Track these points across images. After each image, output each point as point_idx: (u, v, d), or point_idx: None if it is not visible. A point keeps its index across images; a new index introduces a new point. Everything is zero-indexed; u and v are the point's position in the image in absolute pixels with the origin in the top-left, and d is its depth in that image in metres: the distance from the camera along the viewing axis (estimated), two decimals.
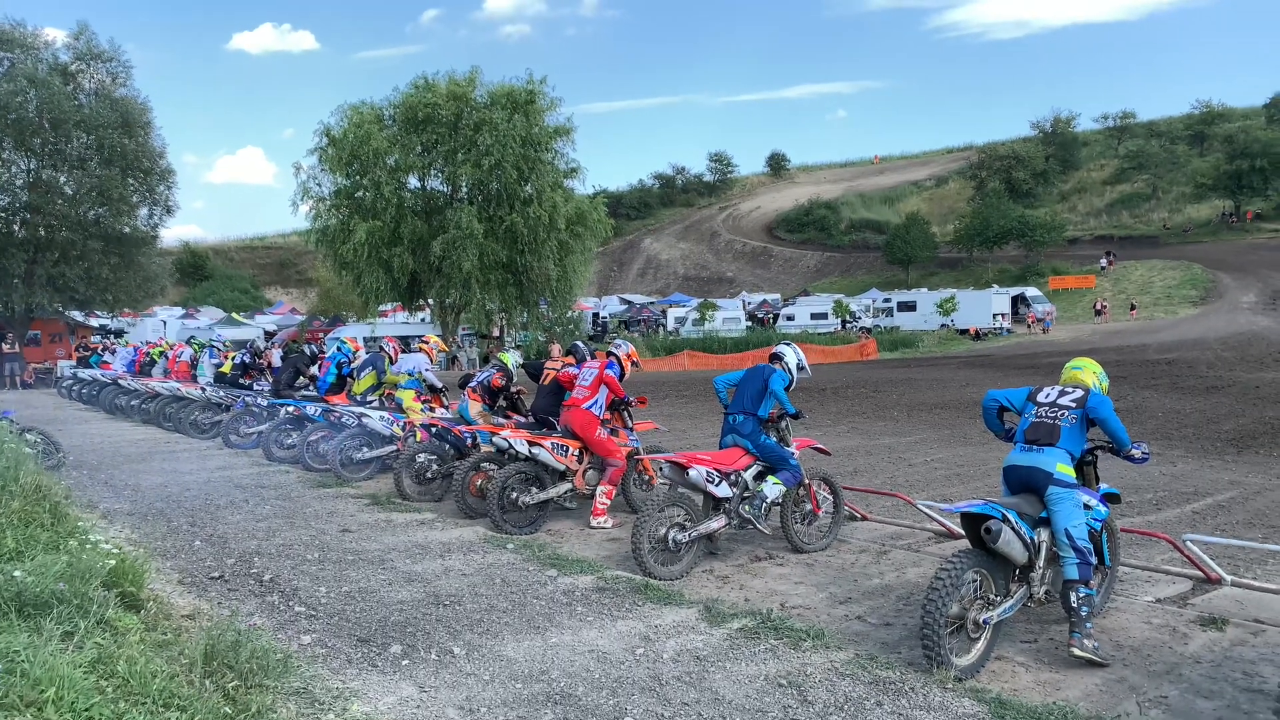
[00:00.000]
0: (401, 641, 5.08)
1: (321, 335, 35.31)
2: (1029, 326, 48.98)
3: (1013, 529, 4.67)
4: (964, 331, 48.69)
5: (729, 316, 54.74)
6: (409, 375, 11.31)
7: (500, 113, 27.53)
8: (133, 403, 18.34)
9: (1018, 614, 4.96)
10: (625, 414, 8.85)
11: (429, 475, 9.49)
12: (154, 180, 35.11)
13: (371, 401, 11.73)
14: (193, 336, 28.79)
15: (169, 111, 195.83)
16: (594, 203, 30.64)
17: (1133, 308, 50.30)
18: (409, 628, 5.34)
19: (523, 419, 9.86)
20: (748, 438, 7.04)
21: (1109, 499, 5.45)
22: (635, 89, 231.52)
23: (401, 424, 10.66)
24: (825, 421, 15.97)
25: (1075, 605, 4.73)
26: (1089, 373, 5.43)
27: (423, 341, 12.21)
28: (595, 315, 58.62)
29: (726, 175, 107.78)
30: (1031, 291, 53.60)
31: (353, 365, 12.47)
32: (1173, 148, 79.54)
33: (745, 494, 6.95)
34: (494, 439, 8.30)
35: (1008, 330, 48.86)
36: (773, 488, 6.94)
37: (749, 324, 55.37)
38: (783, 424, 7.24)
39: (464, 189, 29.06)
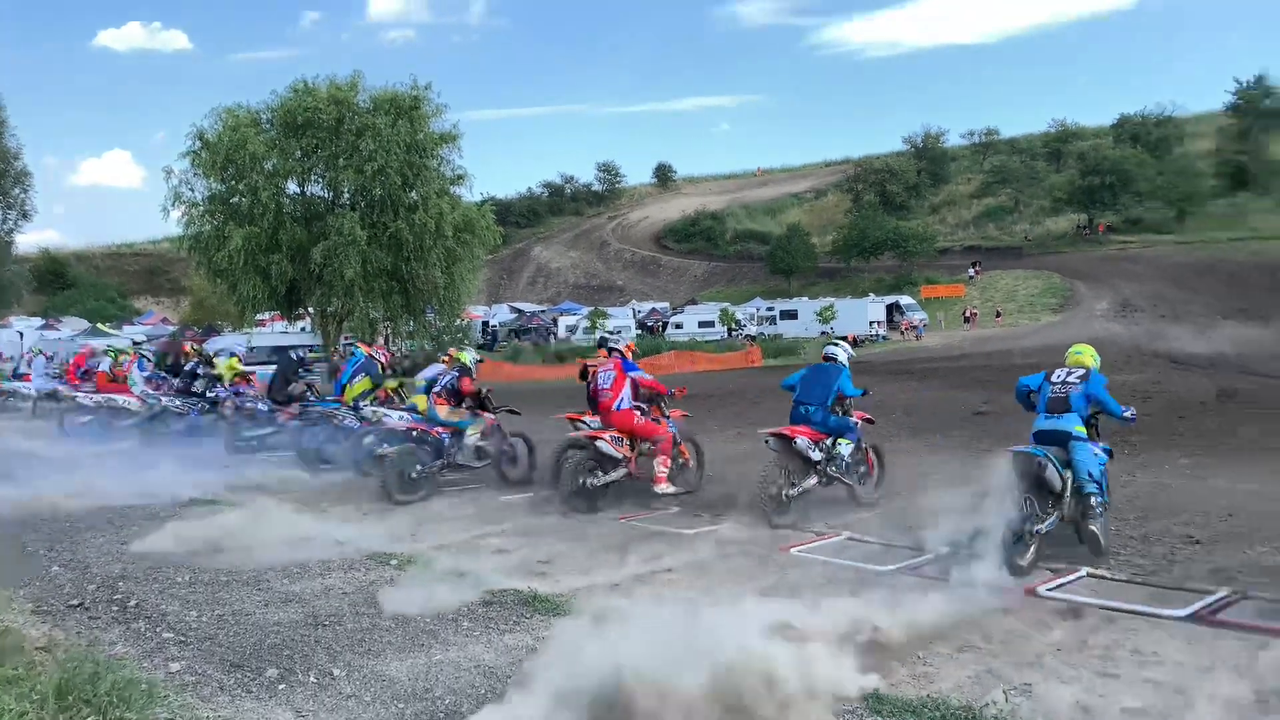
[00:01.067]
0: (278, 665, 4.90)
1: (192, 346, 33.65)
2: (903, 333, 51.03)
3: (1054, 465, 6.55)
4: (843, 338, 50.15)
5: (619, 325, 55.00)
6: (425, 381, 11.91)
7: (384, 118, 26.94)
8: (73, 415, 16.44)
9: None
10: (661, 404, 9.94)
11: (412, 476, 9.77)
12: (8, 183, 33.24)
13: (365, 406, 12.07)
14: (111, 345, 26.24)
15: (26, 111, 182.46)
16: (482, 210, 30.27)
17: (998, 315, 53.06)
18: (286, 650, 5.15)
19: (492, 415, 10.77)
20: (820, 424, 8.67)
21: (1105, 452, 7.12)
22: (523, 98, 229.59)
23: (419, 422, 10.93)
24: (713, 426, 16.20)
25: (1093, 504, 6.60)
26: (1088, 355, 7.44)
27: (447, 355, 12.67)
28: (485, 324, 57.96)
29: (615, 185, 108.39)
30: (905, 300, 55.93)
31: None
32: (1033, 164, 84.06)
33: (829, 457, 8.67)
34: (574, 434, 9.59)
35: (884, 337, 50.76)
36: (846, 448, 8.81)
37: (639, 332, 55.72)
38: (848, 402, 8.95)
39: (346, 195, 28.25)
